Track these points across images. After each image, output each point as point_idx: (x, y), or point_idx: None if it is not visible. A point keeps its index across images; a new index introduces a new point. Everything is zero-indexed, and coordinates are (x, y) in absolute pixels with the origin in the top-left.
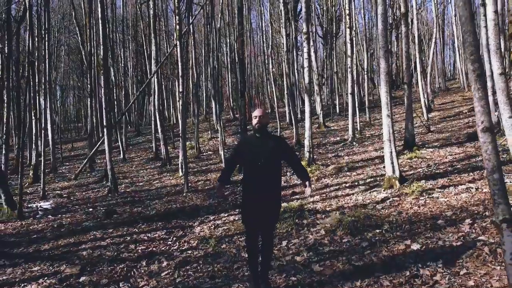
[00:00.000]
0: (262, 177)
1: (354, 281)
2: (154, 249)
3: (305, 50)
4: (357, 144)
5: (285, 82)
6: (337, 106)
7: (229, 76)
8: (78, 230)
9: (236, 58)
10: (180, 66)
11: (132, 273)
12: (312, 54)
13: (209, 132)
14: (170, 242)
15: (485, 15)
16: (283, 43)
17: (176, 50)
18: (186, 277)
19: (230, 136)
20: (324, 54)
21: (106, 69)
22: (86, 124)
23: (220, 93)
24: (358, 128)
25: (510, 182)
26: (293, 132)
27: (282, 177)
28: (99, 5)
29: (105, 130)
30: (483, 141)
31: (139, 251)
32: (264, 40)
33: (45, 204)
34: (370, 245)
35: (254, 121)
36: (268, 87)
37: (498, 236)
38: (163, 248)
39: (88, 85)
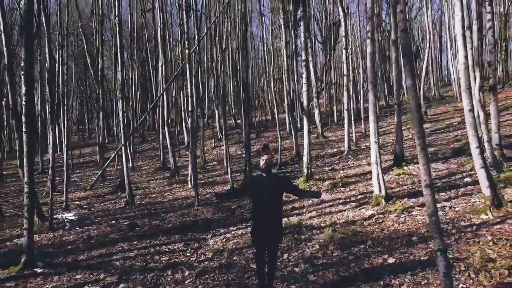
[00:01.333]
0: (267, 210)
1: None
2: (176, 260)
3: (304, 75)
4: (352, 157)
5: (285, 92)
6: (335, 114)
7: (231, 81)
8: (106, 241)
9: (238, 61)
10: (189, 87)
11: (161, 281)
12: (313, 78)
13: (213, 140)
14: (189, 254)
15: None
16: (282, 52)
17: (185, 72)
18: (206, 284)
19: (233, 145)
20: (324, 60)
21: (123, 95)
22: (91, 130)
23: (222, 96)
24: (354, 140)
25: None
26: (293, 142)
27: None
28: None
29: (123, 149)
30: (425, 194)
31: (163, 261)
32: (265, 49)
33: (70, 216)
34: (355, 259)
35: (262, 163)
36: (269, 94)
37: (458, 252)
38: (183, 259)
39: (100, 100)
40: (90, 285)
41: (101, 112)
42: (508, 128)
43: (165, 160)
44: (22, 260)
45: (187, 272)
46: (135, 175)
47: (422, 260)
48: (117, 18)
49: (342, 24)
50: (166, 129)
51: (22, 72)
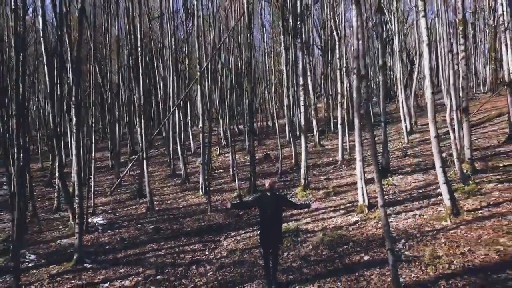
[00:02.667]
0: (270, 220)
1: (326, 278)
2: (197, 257)
3: (301, 98)
4: (345, 167)
5: (285, 106)
6: (332, 122)
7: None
8: (137, 242)
9: (244, 82)
10: (201, 107)
11: (188, 274)
12: (313, 105)
13: (217, 147)
14: (207, 253)
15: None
16: (282, 63)
17: (197, 94)
18: (224, 276)
19: (237, 152)
20: (323, 68)
21: (140, 113)
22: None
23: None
24: (348, 150)
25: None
26: (291, 151)
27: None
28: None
29: (144, 162)
30: (380, 212)
31: (188, 258)
32: (266, 60)
33: (99, 220)
34: (339, 257)
35: (266, 185)
36: (270, 101)
37: (416, 251)
38: (203, 257)
39: (116, 112)
40: (133, 277)
41: (116, 124)
42: (488, 140)
43: (174, 167)
44: (74, 257)
45: (208, 267)
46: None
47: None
48: (139, 49)
49: (337, 46)
50: (179, 143)
51: (73, 106)
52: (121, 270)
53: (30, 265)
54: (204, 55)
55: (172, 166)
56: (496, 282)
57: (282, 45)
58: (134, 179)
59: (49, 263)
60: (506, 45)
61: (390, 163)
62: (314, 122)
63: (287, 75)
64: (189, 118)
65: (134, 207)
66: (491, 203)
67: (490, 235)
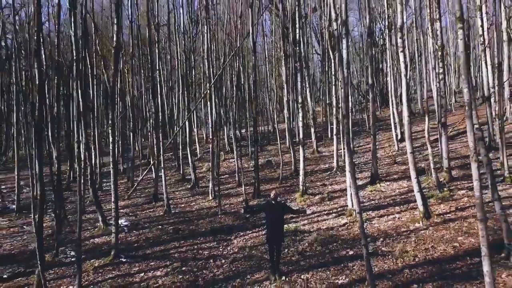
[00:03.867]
0: (275, 223)
1: (319, 269)
2: (214, 253)
3: (300, 115)
4: (339, 173)
5: (285, 111)
6: (329, 128)
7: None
8: (161, 241)
9: (249, 100)
10: (212, 130)
11: (207, 266)
12: (311, 113)
13: (222, 153)
14: (221, 249)
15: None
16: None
17: (207, 109)
18: (237, 267)
19: (241, 157)
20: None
21: (157, 126)
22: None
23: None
24: (343, 157)
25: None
26: (291, 157)
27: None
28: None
29: (162, 170)
30: (358, 217)
31: (205, 254)
32: (267, 70)
33: (123, 221)
34: (329, 252)
35: (272, 195)
36: (271, 107)
37: (391, 248)
38: (218, 253)
39: (130, 122)
40: (162, 268)
41: (130, 133)
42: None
43: (183, 173)
44: (112, 253)
45: (223, 260)
46: (161, 186)
47: (370, 253)
48: (158, 69)
49: (333, 65)
50: (190, 156)
51: (110, 128)
52: (151, 263)
53: (72, 259)
54: (211, 73)
55: (182, 172)
56: (446, 270)
57: (283, 57)
58: (146, 183)
59: (88, 258)
60: (485, 62)
61: (380, 170)
62: (312, 130)
63: (286, 81)
64: (194, 123)
65: (151, 210)
66: (459, 207)
67: (451, 234)
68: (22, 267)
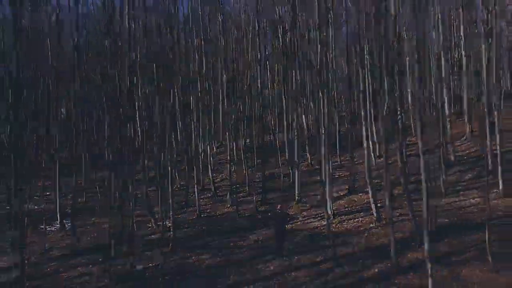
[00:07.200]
0: (279, 226)
1: (306, 254)
2: (237, 243)
3: (296, 142)
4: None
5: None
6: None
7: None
8: (203, 236)
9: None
10: (228, 153)
11: (236, 252)
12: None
13: (231, 164)
14: (242, 242)
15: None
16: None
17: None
18: (256, 253)
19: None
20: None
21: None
22: None
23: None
24: (331, 170)
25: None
26: (289, 170)
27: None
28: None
29: (195, 187)
30: (326, 222)
31: (232, 244)
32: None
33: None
34: (313, 243)
35: (279, 208)
36: (271, 116)
37: (351, 240)
38: (240, 243)
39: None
40: (206, 254)
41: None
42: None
43: (203, 182)
44: (170, 244)
45: (243, 249)
46: (189, 195)
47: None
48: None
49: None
50: (209, 164)
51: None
52: (197, 251)
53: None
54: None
55: (202, 183)
56: (384, 253)
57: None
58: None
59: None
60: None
61: (358, 183)
62: (307, 148)
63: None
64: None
65: (185, 214)
66: (403, 213)
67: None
68: None
